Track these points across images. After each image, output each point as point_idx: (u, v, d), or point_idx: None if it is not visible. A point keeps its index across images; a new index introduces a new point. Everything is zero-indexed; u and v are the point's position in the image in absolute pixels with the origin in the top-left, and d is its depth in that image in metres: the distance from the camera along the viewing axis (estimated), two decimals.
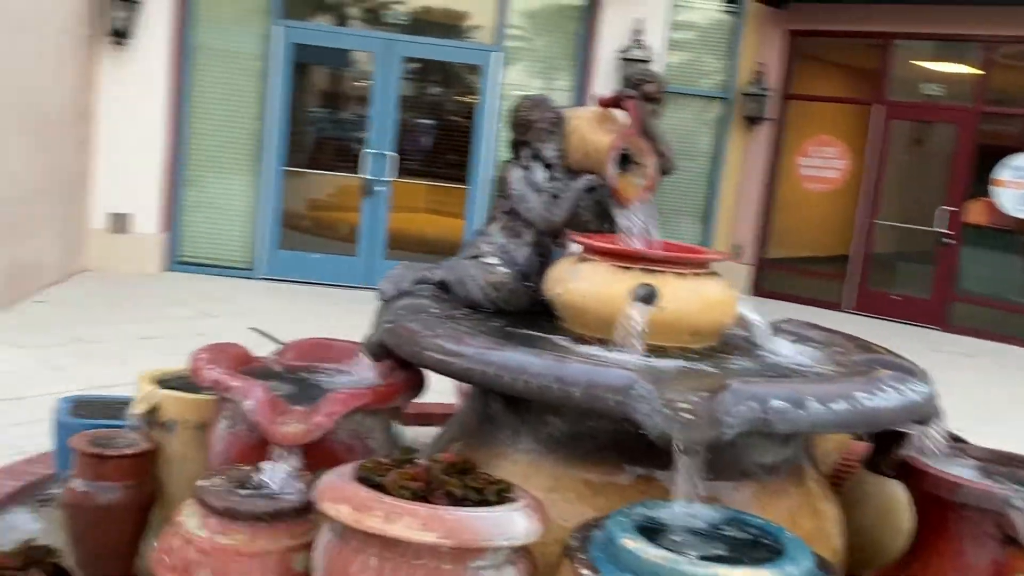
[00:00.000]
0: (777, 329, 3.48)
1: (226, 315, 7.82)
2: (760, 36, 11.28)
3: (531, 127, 3.46)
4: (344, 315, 8.30)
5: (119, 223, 8.97)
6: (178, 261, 9.35)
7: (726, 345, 3.16)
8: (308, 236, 9.84)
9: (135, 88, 8.81)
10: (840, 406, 2.44)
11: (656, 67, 9.73)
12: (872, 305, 10.86)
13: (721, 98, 11.24)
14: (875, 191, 11.00)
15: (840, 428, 2.46)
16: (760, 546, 2.27)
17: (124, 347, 6.53)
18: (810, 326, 3.50)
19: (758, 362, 3.01)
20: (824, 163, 11.37)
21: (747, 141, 11.44)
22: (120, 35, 8.57)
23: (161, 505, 3.21)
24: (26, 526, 3.53)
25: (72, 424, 3.43)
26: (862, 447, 3.21)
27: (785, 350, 3.14)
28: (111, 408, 3.67)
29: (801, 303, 10.88)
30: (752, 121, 11.25)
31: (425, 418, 4.72)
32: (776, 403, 2.40)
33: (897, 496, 3.09)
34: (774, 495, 2.78)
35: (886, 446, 2.86)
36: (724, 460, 2.73)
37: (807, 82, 11.48)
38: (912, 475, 2.80)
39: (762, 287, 11.51)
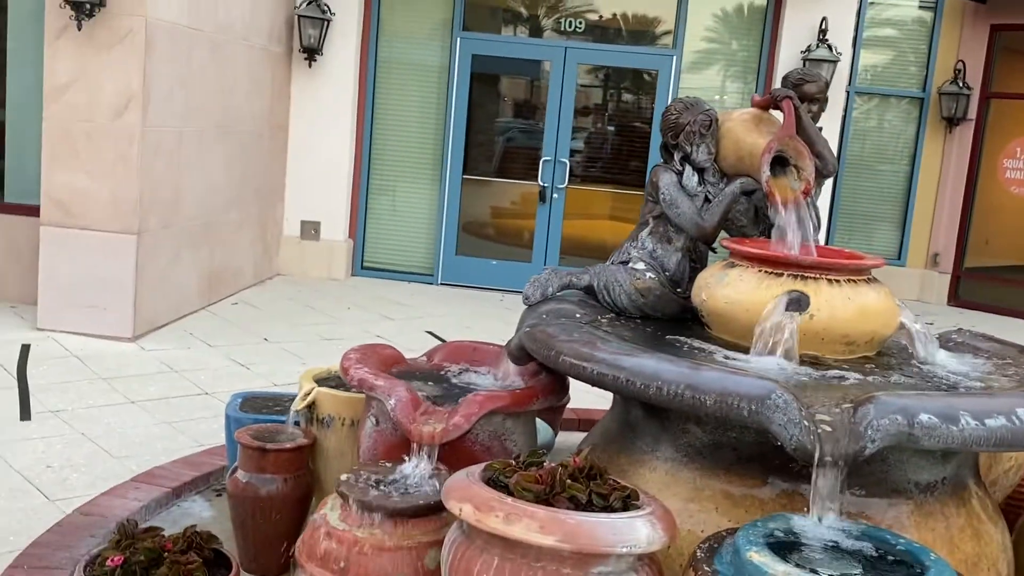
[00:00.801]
0: (947, 340, 3.27)
1: (404, 319, 8.08)
2: (959, 32, 10.62)
3: (682, 130, 3.40)
4: (516, 320, 8.44)
5: (309, 230, 9.45)
6: (363, 266, 9.75)
7: (884, 356, 2.99)
8: (485, 242, 10.03)
9: (325, 102, 9.27)
10: (997, 422, 2.26)
11: (843, 67, 9.35)
12: None
13: (917, 98, 10.67)
14: None
15: (998, 446, 2.28)
16: (900, 567, 2.13)
17: (306, 347, 6.86)
18: (984, 338, 3.27)
19: (915, 374, 2.83)
20: None
21: (945, 143, 10.79)
22: (311, 52, 9.04)
23: (318, 497, 3.36)
24: (199, 513, 3.78)
25: (240, 418, 3.63)
26: None
27: (949, 362, 2.94)
28: (277, 404, 3.87)
29: (1003, 314, 10.16)
30: (951, 122, 10.61)
31: (583, 424, 4.73)
32: (925, 417, 2.26)
33: None
34: (929, 515, 2.61)
35: None
36: (875, 475, 2.59)
37: (1011, 79, 10.70)
38: None
39: (960, 297, 10.82)
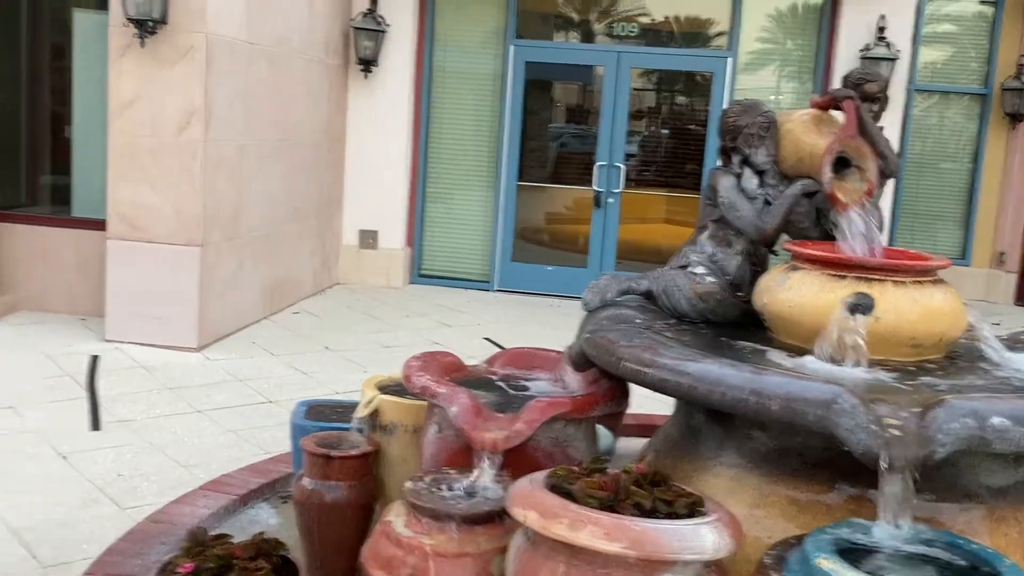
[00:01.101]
0: (1016, 341, 3.19)
1: (461, 326, 8.12)
2: (1021, 26, 10.38)
3: (741, 132, 3.37)
4: (573, 326, 8.43)
5: (367, 239, 9.55)
6: (420, 274, 9.83)
7: (952, 358, 2.93)
8: (541, 249, 10.05)
9: (381, 112, 9.37)
10: None
11: (903, 64, 9.20)
12: None
13: (979, 94, 10.46)
14: None
15: None
16: (973, 573, 2.09)
17: (366, 355, 6.93)
18: None
19: (986, 377, 2.77)
20: None
21: (1009, 139, 10.55)
22: (367, 63, 9.14)
23: (381, 504, 3.39)
24: (266, 520, 3.83)
25: (305, 426, 3.68)
26: None
27: (1020, 363, 2.87)
28: (341, 411, 3.91)
29: None
30: (1014, 118, 10.37)
31: (644, 429, 4.70)
32: (996, 420, 2.21)
33: None
34: (1002, 520, 2.55)
35: None
36: (945, 480, 2.54)
37: None
38: None
39: None
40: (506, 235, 9.74)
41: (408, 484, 2.66)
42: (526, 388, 3.32)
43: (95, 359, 6.28)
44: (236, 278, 7.22)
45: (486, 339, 7.51)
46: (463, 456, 2.86)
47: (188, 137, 6.50)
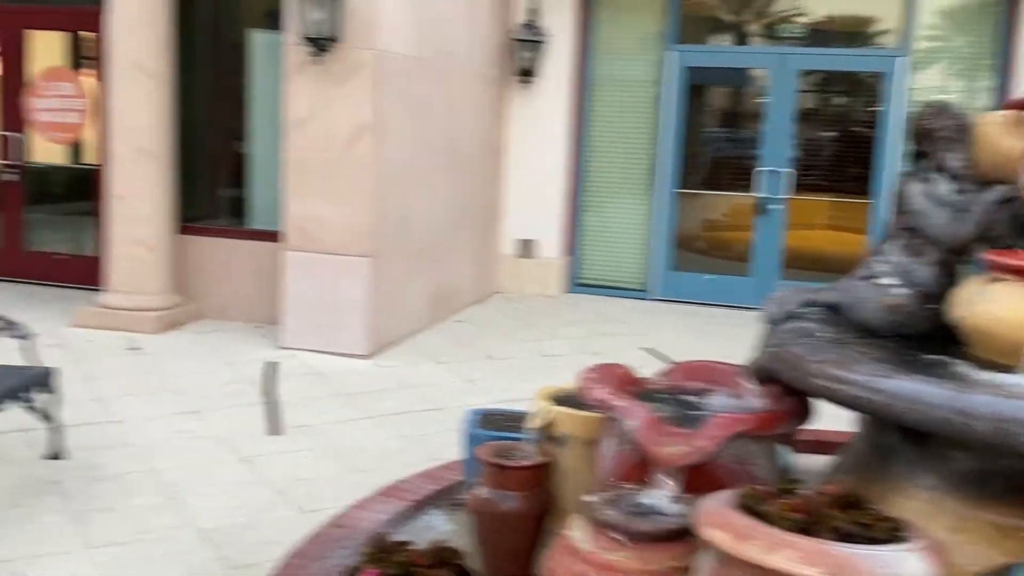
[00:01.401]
0: None
1: (619, 335, 8.07)
2: None
3: (933, 136, 3.21)
4: (736, 336, 8.20)
5: (526, 248, 9.63)
6: (577, 283, 9.83)
7: None
8: (700, 257, 9.88)
9: (539, 122, 9.44)
10: None
11: None
12: None
13: None
14: None
15: None
16: None
17: (527, 363, 6.98)
18: None
19: None
20: None
21: None
22: (526, 73, 9.23)
23: (555, 515, 3.39)
24: (441, 527, 3.89)
25: (478, 435, 3.72)
26: None
27: None
28: (511, 421, 3.93)
29: None
30: None
31: (821, 447, 4.54)
32: None
33: None
34: None
35: None
36: None
37: None
38: None
39: None
40: (664, 243, 9.63)
41: (589, 498, 2.64)
42: (703, 402, 3.26)
43: (273, 366, 6.55)
44: (404, 287, 7.41)
45: (645, 349, 7.44)
46: (641, 471, 2.82)
47: (359, 151, 6.71)
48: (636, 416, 2.79)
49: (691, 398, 3.30)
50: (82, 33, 8.74)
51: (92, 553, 3.79)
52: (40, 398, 4.66)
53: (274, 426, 5.41)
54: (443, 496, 4.15)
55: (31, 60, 8.75)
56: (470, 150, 8.69)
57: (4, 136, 8.76)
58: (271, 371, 6.42)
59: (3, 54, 8.76)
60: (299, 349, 6.91)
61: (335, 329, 6.86)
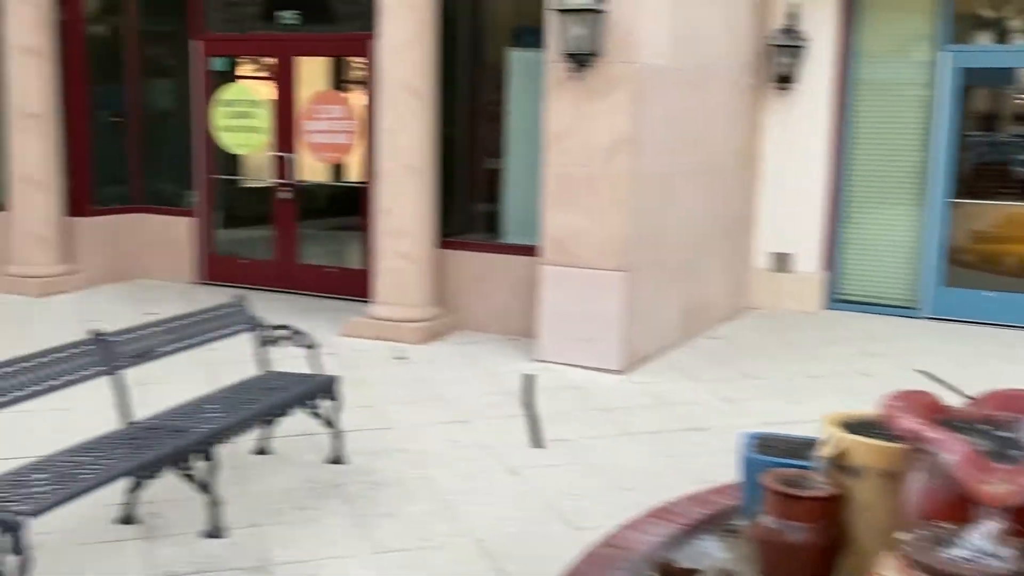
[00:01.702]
0: None
1: (888, 355, 7.59)
2: None
3: None
4: (1022, 359, 7.55)
5: (781, 262, 9.26)
6: (836, 299, 9.34)
7: None
8: (978, 272, 9.13)
9: (797, 130, 9.06)
10: None
11: None
12: None
13: None
14: None
15: None
16: None
17: (790, 384, 6.68)
18: None
19: None
20: None
21: None
22: (784, 80, 8.89)
23: (846, 551, 3.17)
24: (715, 554, 3.75)
25: (758, 460, 3.55)
26: None
27: None
28: (792, 447, 3.73)
29: None
30: None
31: None
32: None
33: None
34: None
35: None
36: None
37: None
38: None
39: None
40: (936, 257, 8.97)
41: (906, 536, 2.43)
42: (1018, 436, 2.95)
43: (531, 378, 6.62)
44: (657, 302, 7.31)
45: (920, 372, 6.94)
46: (954, 509, 2.58)
47: (617, 165, 6.68)
48: (954, 450, 2.55)
49: (1004, 430, 3.00)
50: (346, 57, 9.26)
51: (377, 558, 3.94)
52: (324, 404, 4.92)
53: (536, 439, 5.46)
54: (715, 521, 3.99)
55: (299, 85, 9.36)
56: (724, 160, 8.47)
57: (280, 157, 9.40)
58: (529, 384, 6.50)
59: (277, 80, 9.42)
60: (554, 362, 6.95)
61: (589, 343, 6.85)
